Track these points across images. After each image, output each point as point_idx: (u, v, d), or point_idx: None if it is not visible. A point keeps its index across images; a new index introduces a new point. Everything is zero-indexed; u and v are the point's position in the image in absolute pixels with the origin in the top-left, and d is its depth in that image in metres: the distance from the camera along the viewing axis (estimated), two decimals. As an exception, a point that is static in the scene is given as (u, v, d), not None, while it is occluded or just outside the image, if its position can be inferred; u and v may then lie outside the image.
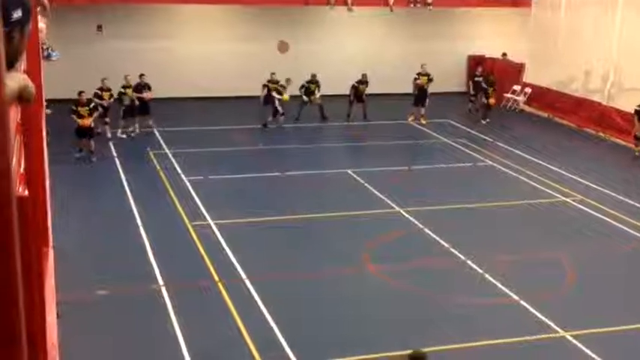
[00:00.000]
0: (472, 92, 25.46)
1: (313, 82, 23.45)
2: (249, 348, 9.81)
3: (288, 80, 22.56)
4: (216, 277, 11.95)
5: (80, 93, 18.46)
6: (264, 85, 22.95)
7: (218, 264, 12.46)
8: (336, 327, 10.61)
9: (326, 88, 23.80)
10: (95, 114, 18.62)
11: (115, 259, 12.68)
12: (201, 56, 25.91)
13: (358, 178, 17.67)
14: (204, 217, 14.71)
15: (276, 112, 22.39)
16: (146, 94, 21.05)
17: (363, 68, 24.86)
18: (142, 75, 21.29)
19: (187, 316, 10.64)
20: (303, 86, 23.36)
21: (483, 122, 23.74)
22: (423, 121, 23.48)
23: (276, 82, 22.70)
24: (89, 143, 18.38)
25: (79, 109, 18.18)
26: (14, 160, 1.36)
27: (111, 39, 24.67)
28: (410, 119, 23.72)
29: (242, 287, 11.64)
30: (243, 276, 12.01)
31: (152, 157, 18.89)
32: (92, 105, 18.60)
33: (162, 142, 20.22)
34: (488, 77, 24.63)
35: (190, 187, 16.50)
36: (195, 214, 14.86)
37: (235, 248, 13.11)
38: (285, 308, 11.02)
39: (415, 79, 23.85)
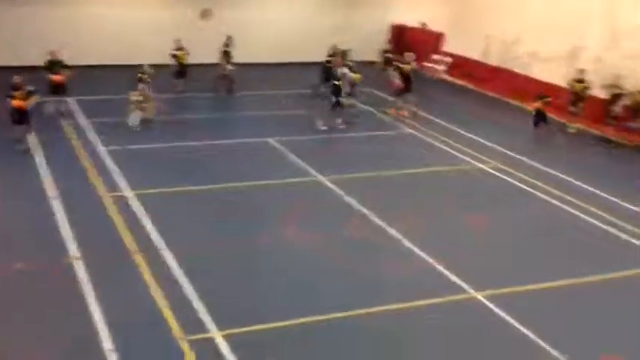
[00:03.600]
0: (382, 67, 25.83)
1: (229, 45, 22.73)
2: (169, 320, 9.76)
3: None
4: (135, 249, 11.78)
5: (15, 77, 16.54)
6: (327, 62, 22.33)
7: (137, 236, 12.29)
8: (259, 295, 10.67)
9: (250, 57, 23.64)
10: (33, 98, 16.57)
11: (29, 233, 12.32)
12: (117, 22, 25.31)
13: (280, 147, 17.68)
14: (123, 187, 14.44)
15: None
16: (58, 77, 18.92)
17: (285, 36, 24.89)
18: (53, 51, 19.25)
19: (105, 290, 10.46)
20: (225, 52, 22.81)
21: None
22: (406, 113, 21.40)
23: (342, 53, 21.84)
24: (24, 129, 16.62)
25: (14, 93, 16.27)
26: None
27: (23, 6, 23.75)
28: (404, 112, 21.44)
29: (162, 259, 11.52)
30: (164, 247, 11.88)
31: (65, 127, 18.36)
32: (28, 89, 16.49)
33: (75, 111, 19.65)
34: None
35: (107, 158, 16.16)
36: (112, 184, 14.58)
37: (155, 219, 12.95)
38: (206, 279, 10.97)
39: (396, 67, 21.98)
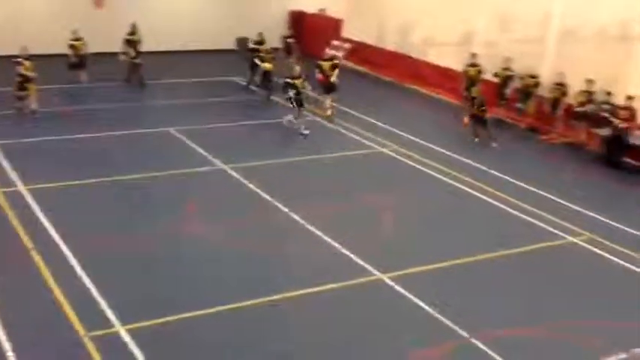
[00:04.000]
0: (284, 54, 25.77)
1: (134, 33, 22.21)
2: (70, 317, 9.46)
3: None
4: (31, 246, 11.34)
5: None
6: (252, 49, 22.25)
7: (33, 231, 11.82)
8: (163, 288, 10.50)
9: (150, 45, 23.14)
10: None
11: None
12: (8, 11, 24.19)
13: (182, 137, 17.41)
14: (14, 182, 13.86)
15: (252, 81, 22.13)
16: None
17: (187, 24, 24.40)
18: None
19: (1, 288, 10.03)
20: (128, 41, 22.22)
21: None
22: (329, 113, 20.27)
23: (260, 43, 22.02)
24: None
25: None
26: None
27: None
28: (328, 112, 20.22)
29: (60, 254, 11.14)
30: (61, 242, 11.49)
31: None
32: None
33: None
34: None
35: (-2, 152, 15.48)
36: (5, 179, 13.95)
37: (52, 214, 12.50)
38: (108, 273, 10.70)
39: (317, 65, 20.79)
